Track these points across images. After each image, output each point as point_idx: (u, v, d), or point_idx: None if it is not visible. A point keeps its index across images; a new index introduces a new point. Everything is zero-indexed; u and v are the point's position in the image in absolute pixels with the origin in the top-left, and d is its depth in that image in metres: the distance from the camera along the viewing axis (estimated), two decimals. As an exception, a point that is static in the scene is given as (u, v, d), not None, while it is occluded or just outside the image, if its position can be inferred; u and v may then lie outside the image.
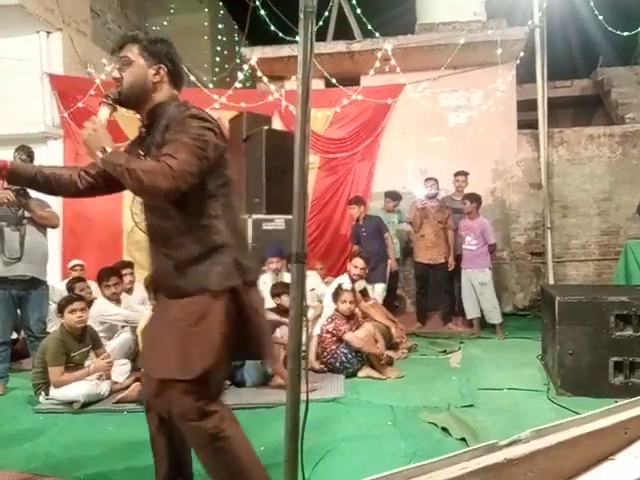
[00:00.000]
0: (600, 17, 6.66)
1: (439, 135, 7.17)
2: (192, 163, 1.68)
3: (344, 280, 5.10)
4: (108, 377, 3.73)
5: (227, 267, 1.80)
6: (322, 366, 4.34)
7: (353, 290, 5.01)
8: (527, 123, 7.39)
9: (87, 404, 3.48)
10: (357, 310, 4.84)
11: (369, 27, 6.82)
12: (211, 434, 1.76)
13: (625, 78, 9.12)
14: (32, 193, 3.96)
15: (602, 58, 9.96)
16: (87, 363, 3.72)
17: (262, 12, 6.63)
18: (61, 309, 3.63)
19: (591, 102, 9.71)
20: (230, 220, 1.87)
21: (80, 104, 6.57)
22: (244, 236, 2.15)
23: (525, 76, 7.42)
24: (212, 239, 1.81)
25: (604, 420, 1.03)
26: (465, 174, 6.29)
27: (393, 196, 6.51)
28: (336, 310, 4.51)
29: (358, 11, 7.19)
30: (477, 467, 0.82)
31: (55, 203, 6.38)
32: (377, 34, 6.78)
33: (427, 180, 6.19)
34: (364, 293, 5.29)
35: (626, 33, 6.73)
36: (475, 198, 5.82)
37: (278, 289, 4.42)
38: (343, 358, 4.24)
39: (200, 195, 1.79)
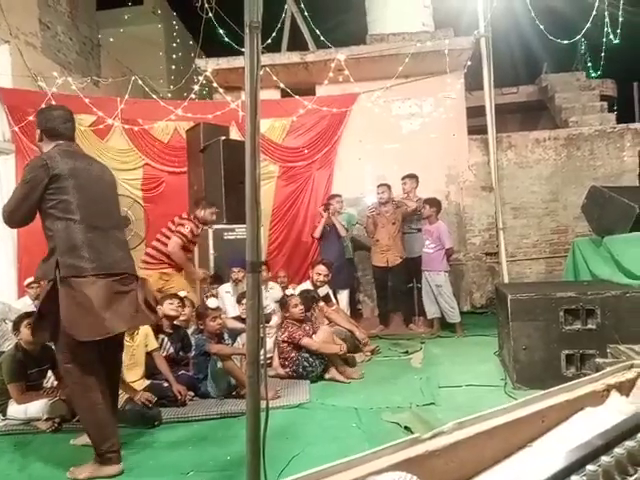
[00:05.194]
0: (542, 26, 7.00)
1: (394, 142, 7.32)
2: (10, 204, 2.62)
3: (306, 287, 5.18)
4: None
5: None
6: (287, 371, 4.35)
7: (317, 296, 5.10)
8: (477, 129, 7.62)
9: (61, 423, 3.37)
10: (313, 314, 4.87)
11: (322, 38, 6.94)
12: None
13: (567, 84, 9.55)
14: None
15: (547, 65, 10.45)
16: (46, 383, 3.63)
17: (215, 24, 6.68)
18: (16, 325, 3.53)
19: (536, 107, 10.11)
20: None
21: (31, 118, 6.42)
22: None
23: (473, 84, 7.67)
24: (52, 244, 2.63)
25: (522, 410, 1.07)
26: (411, 177, 6.28)
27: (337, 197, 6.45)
28: (286, 318, 4.50)
29: (311, 23, 7.31)
30: (399, 460, 0.86)
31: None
32: (330, 45, 6.90)
33: (379, 186, 6.26)
34: (327, 299, 5.36)
35: (566, 41, 7.08)
36: (434, 203, 5.90)
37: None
38: (305, 363, 4.24)
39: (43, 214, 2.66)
